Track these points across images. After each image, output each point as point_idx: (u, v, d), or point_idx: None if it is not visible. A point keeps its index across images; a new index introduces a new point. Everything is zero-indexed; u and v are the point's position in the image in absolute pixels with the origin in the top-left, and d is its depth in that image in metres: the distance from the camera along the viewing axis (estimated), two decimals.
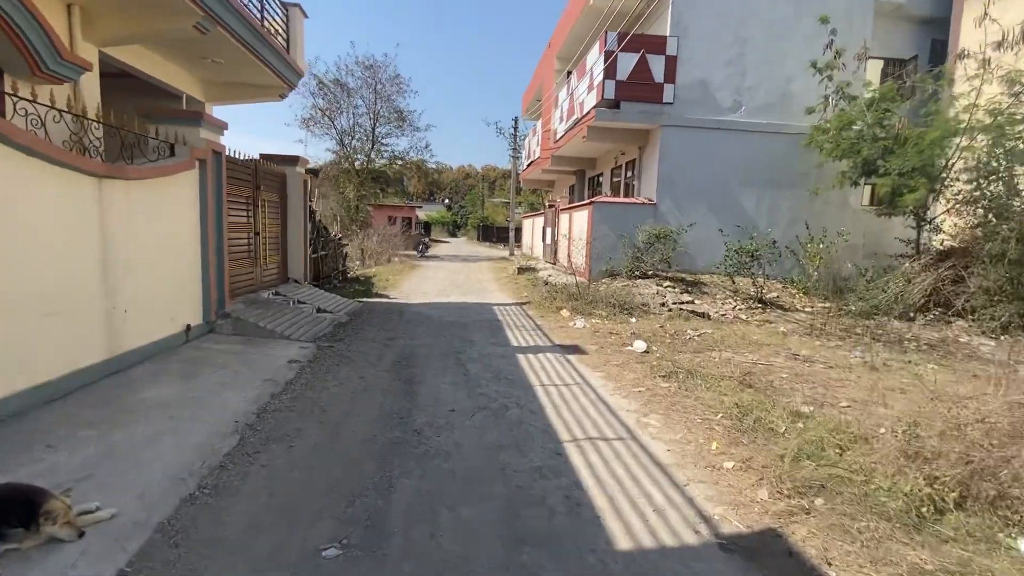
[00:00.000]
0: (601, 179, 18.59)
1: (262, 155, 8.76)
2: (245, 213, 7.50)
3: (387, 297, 10.97)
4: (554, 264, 17.31)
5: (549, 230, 18.25)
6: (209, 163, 6.16)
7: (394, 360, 5.82)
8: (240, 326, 6.38)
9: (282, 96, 9.60)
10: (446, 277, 15.67)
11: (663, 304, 9.95)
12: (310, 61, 22.05)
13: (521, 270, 16.06)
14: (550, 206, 18.97)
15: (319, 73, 22.42)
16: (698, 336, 7.36)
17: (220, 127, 6.48)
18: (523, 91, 27.83)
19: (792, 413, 4.12)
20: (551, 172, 21.39)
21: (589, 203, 13.03)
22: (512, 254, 27.30)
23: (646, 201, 13.15)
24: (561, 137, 16.93)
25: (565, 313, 9.12)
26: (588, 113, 13.40)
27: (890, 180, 9.22)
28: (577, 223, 14.23)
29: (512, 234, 27.31)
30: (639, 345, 6.59)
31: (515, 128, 26.66)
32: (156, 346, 5.24)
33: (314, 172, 14.01)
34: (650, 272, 12.11)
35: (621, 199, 13.63)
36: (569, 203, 17.08)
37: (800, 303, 10.28)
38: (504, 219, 59.72)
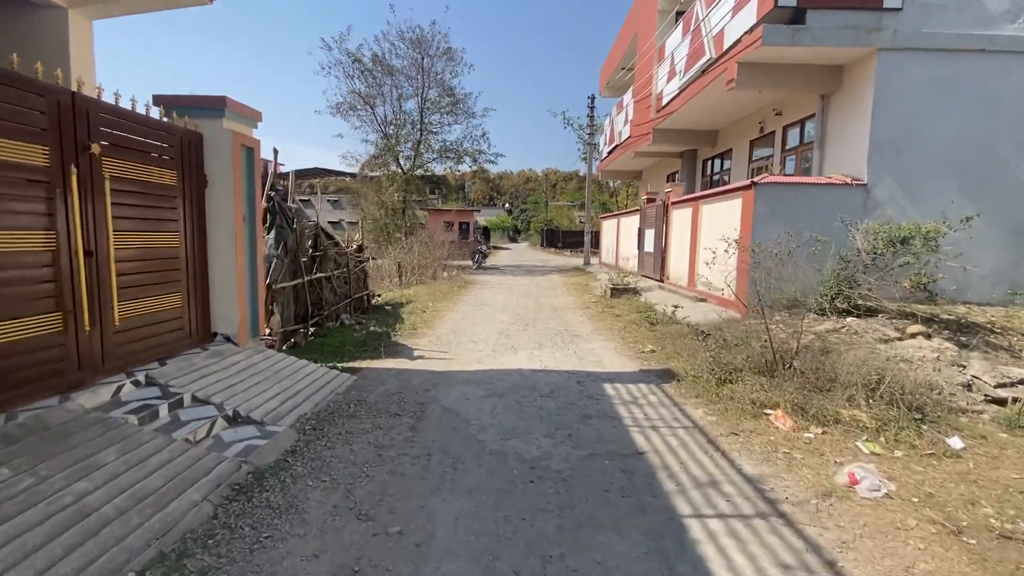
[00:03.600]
0: (726, 160, 13.15)
1: (155, 98, 4.44)
2: (42, 207, 3.13)
3: (408, 354, 6.36)
4: (661, 281, 12.10)
5: (651, 233, 13.06)
6: None
7: None
8: None
9: None
10: (508, 304, 10.91)
11: (969, 387, 4.65)
12: (342, 33, 18.28)
13: (616, 291, 11.03)
14: (649, 200, 13.80)
15: (354, 50, 18.62)
16: None
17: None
18: (600, 63, 22.79)
19: None
20: (647, 156, 16.15)
21: (743, 187, 7.80)
22: (587, 263, 22.23)
23: (849, 181, 7.74)
24: (674, 99, 11.73)
25: (781, 421, 4.03)
26: (736, 46, 8.23)
27: None
28: (713, 222, 9.00)
29: (588, 239, 22.26)
30: None
31: (591, 108, 21.62)
32: None
33: (317, 177, 9.25)
34: (873, 304, 6.76)
35: (806, 179, 8.23)
36: (678, 194, 11.88)
37: None
38: (571, 222, 54.64)
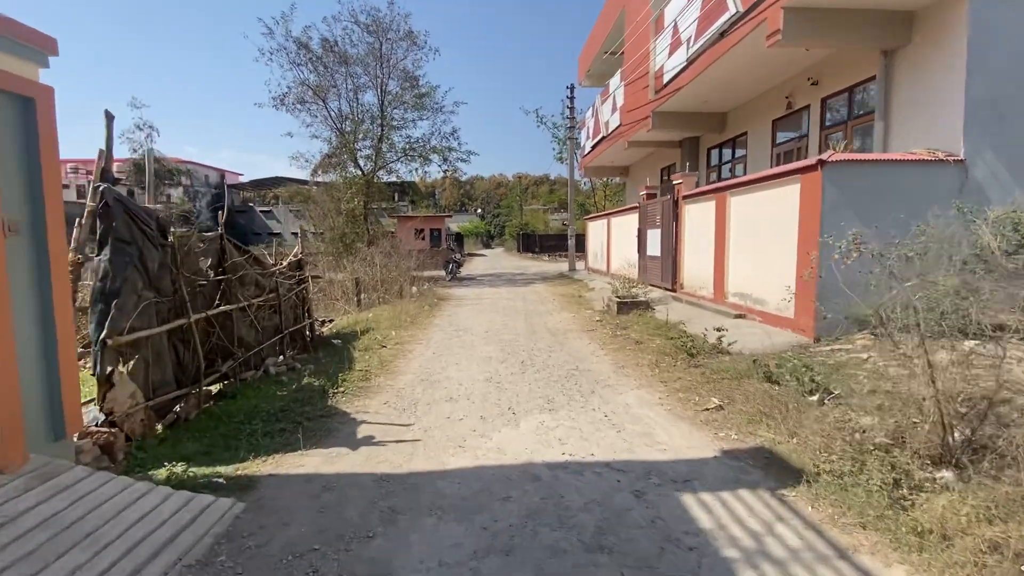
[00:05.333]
0: (738, 148, 11.34)
1: None
2: None
3: (348, 434, 4.11)
4: (673, 291, 10.14)
5: (655, 234, 11.12)
6: None
7: None
8: None
9: None
10: (492, 328, 8.73)
11: None
12: (284, 13, 15.87)
13: (624, 305, 8.98)
14: (650, 196, 11.87)
15: (299, 33, 16.18)
16: None
17: None
18: (574, 61, 20.94)
19: None
20: (641, 146, 14.26)
21: (803, 169, 5.83)
22: (573, 269, 20.25)
23: (942, 156, 5.89)
24: (679, 73, 9.82)
25: None
26: None
27: None
28: (750, 216, 7.03)
29: (572, 243, 20.27)
30: None
31: (571, 98, 19.68)
32: None
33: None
34: (993, 320, 4.79)
35: (890, 156, 6.31)
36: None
37: None
38: (546, 226, 52.75)
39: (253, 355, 6.06)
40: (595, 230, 18.40)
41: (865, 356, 5.28)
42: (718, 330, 6.15)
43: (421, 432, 3.98)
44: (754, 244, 7.17)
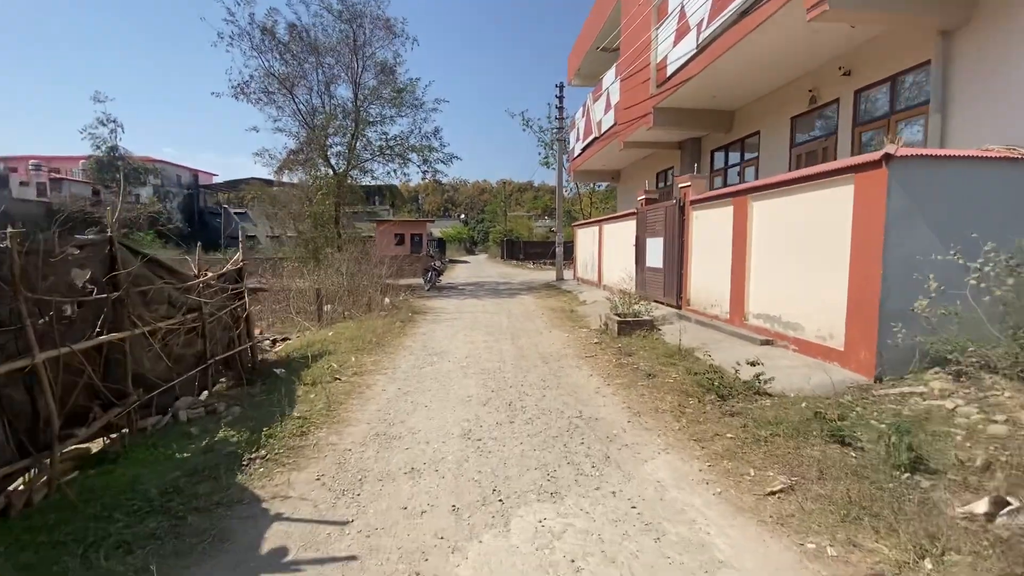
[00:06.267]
0: (748, 149, 10.27)
1: None
2: None
3: (249, 555, 2.76)
4: (679, 308, 8.99)
5: (656, 244, 9.98)
6: None
7: None
8: None
9: None
10: (473, 352, 7.43)
11: None
12: None
13: (625, 325, 7.77)
14: (649, 201, 10.74)
15: (264, 17, 14.72)
16: None
17: None
18: (564, 56, 19.89)
19: None
20: (638, 147, 13.14)
21: (862, 166, 4.65)
22: (560, 278, 19.07)
23: None
24: (687, 63, 8.72)
25: None
26: None
27: None
28: (781, 223, 5.83)
29: (560, 251, 19.07)
30: None
31: (560, 97, 18.56)
32: None
33: None
34: None
35: (970, 152, 5.16)
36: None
37: None
38: (530, 232, 51.60)
39: (161, 394, 4.65)
40: (585, 238, 17.24)
41: (950, 405, 4.14)
42: (752, 364, 4.95)
43: (361, 540, 2.64)
44: (786, 257, 6.03)
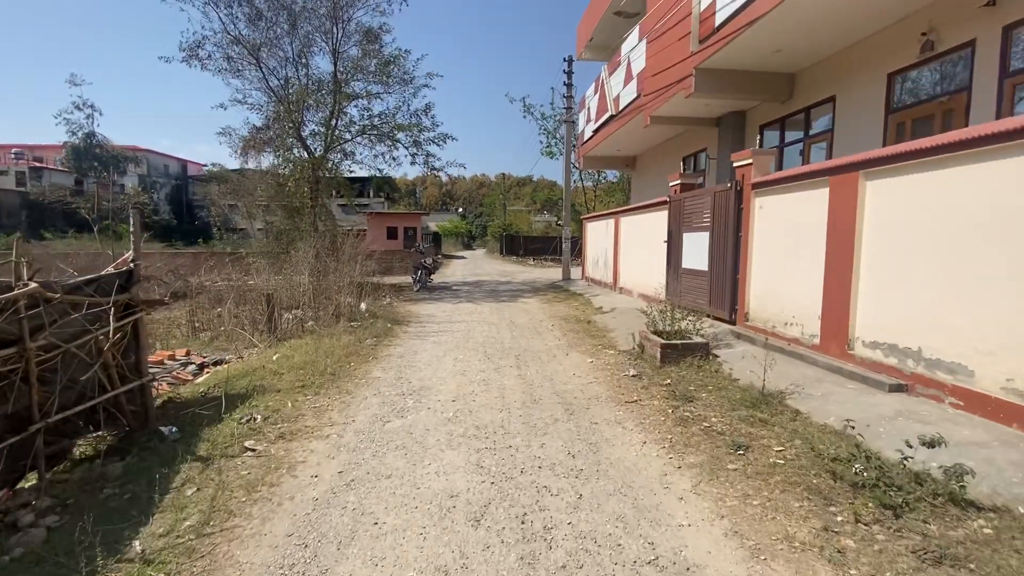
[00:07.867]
0: (815, 119, 8.13)
1: None
2: None
3: None
4: (732, 323, 6.96)
5: (697, 239, 7.91)
6: None
7: None
8: None
9: None
10: (464, 394, 5.36)
11: None
12: None
13: (669, 350, 5.71)
14: (684, 187, 8.66)
15: None
16: None
17: None
18: (563, 52, 17.72)
19: None
20: (669, 123, 11.01)
21: None
22: (567, 278, 17.01)
23: None
24: (743, 7, 6.62)
25: None
26: None
27: None
28: (932, 211, 3.69)
29: (567, 246, 17.00)
30: None
31: (568, 72, 16.39)
32: None
33: None
34: None
35: None
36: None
37: None
38: (529, 227, 49.41)
39: None
40: (596, 232, 15.15)
41: None
42: (930, 445, 2.90)
43: None
44: (932, 259, 3.99)
